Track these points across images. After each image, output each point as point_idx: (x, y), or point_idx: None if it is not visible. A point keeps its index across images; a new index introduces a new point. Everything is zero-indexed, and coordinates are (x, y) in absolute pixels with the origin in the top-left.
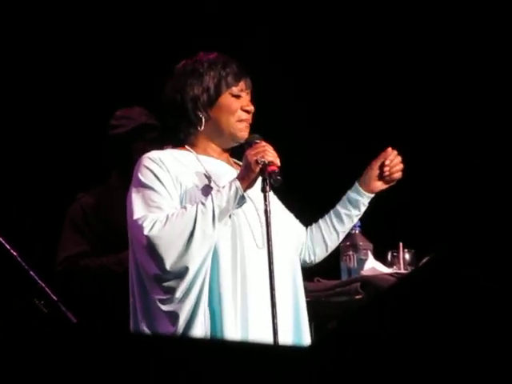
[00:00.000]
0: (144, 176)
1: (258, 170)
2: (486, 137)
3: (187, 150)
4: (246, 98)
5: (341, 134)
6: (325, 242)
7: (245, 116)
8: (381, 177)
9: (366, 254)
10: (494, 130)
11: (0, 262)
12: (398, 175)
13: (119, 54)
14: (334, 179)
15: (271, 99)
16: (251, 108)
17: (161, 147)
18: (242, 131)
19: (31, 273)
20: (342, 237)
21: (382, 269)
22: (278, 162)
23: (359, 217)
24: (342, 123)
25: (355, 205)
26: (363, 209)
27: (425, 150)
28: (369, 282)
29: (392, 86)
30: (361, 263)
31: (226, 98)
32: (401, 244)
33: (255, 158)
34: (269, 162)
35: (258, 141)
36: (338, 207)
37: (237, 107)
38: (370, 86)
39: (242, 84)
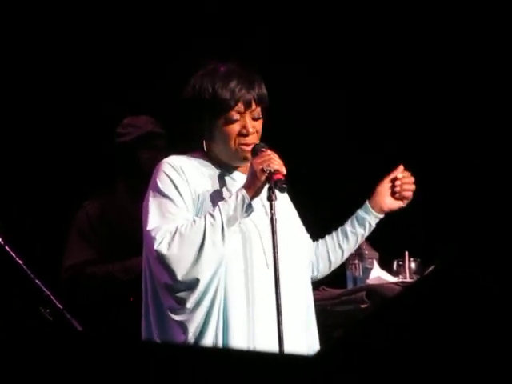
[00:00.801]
0: (163, 183)
1: (263, 178)
2: (491, 147)
3: (207, 158)
4: (245, 119)
5: (352, 144)
6: (329, 258)
7: (243, 140)
8: (392, 194)
9: (372, 263)
10: (500, 141)
11: (6, 270)
12: (408, 194)
13: (126, 62)
14: (346, 191)
15: (284, 106)
16: (250, 130)
17: (167, 155)
18: (242, 155)
19: (37, 281)
20: (346, 255)
21: (388, 278)
22: (283, 170)
23: (365, 236)
24: (353, 133)
25: (361, 223)
26: (369, 228)
27: (431, 160)
28: (374, 291)
29: (404, 99)
30: (366, 272)
31: (221, 126)
32: (406, 253)
33: (261, 167)
34: (274, 171)
35: (263, 149)
36: (346, 224)
37: (233, 132)
38: (380, 97)
39: (239, 106)
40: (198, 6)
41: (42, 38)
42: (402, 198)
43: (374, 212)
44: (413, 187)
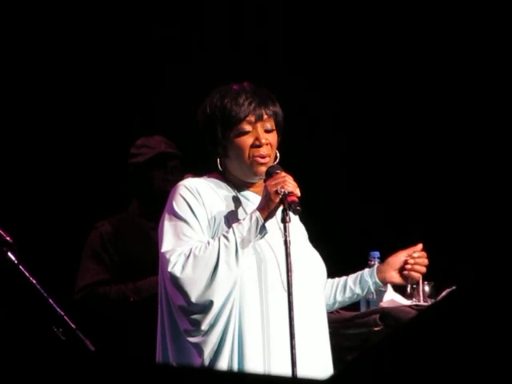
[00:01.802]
0: (178, 206)
1: (277, 200)
2: (505, 173)
3: (223, 179)
4: (257, 131)
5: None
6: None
7: (257, 152)
8: (400, 270)
9: (385, 286)
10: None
11: (20, 289)
12: (417, 276)
13: (141, 84)
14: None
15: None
16: (263, 141)
17: (180, 175)
18: (257, 168)
19: (50, 300)
20: (336, 307)
21: (401, 300)
22: (297, 192)
23: (359, 298)
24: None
25: (362, 285)
26: (367, 292)
27: (445, 181)
28: (388, 314)
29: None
30: (380, 295)
31: (233, 139)
32: (420, 276)
33: (275, 189)
34: (289, 193)
35: (278, 171)
36: (349, 278)
37: (247, 145)
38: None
39: (250, 118)
40: (213, 33)
41: (61, 63)
42: (407, 278)
43: (376, 279)
44: (423, 270)
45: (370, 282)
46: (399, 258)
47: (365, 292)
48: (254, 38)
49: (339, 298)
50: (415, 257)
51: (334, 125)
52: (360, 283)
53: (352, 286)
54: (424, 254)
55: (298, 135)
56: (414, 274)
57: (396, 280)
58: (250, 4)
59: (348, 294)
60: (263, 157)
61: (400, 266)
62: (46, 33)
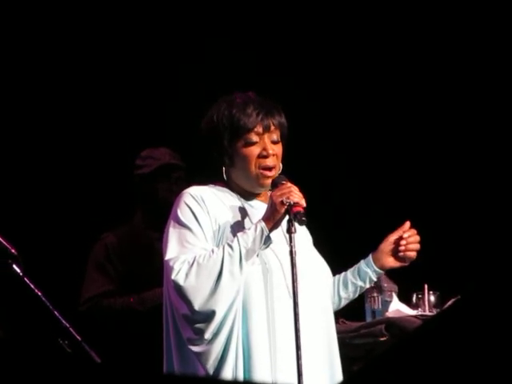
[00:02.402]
0: (183, 214)
1: (283, 210)
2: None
3: (228, 188)
4: (264, 142)
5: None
6: (340, 296)
7: (263, 163)
8: (395, 253)
9: (391, 296)
10: None
11: (24, 301)
12: (412, 254)
13: (146, 95)
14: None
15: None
16: (268, 152)
17: (185, 187)
18: (263, 181)
19: (55, 312)
20: (344, 303)
21: (407, 310)
22: (303, 202)
23: (364, 289)
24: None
25: (363, 277)
26: (369, 281)
27: (450, 192)
28: (393, 324)
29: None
30: (385, 305)
31: (240, 149)
32: (426, 286)
33: (280, 199)
34: (294, 203)
35: (283, 182)
36: (348, 272)
37: (253, 155)
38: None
39: (258, 128)
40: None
41: (67, 79)
42: (404, 258)
43: (375, 267)
44: (417, 247)
45: (370, 272)
46: (390, 242)
47: (367, 283)
48: (257, 48)
49: (343, 294)
50: (406, 237)
51: (336, 134)
52: (360, 275)
53: (353, 279)
54: (413, 231)
55: (300, 143)
56: (409, 253)
57: (394, 264)
58: (253, 14)
59: (351, 288)
60: (270, 169)
61: (393, 250)
62: (55, 44)
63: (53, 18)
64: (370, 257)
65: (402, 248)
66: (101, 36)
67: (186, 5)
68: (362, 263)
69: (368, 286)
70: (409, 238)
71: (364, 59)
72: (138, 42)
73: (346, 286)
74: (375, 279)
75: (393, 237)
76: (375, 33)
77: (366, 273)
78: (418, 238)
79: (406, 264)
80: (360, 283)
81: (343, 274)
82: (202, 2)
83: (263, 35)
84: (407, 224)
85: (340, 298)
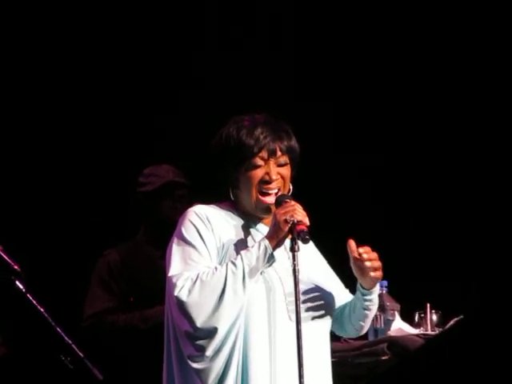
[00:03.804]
0: (187, 231)
1: (286, 228)
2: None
3: (233, 208)
4: (269, 166)
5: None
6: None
7: (265, 188)
8: (362, 273)
9: (393, 315)
10: None
11: (27, 318)
12: (377, 274)
13: (149, 112)
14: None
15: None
16: (273, 178)
17: (189, 204)
18: (261, 205)
19: (58, 329)
20: (366, 323)
21: (409, 329)
22: (307, 221)
23: (376, 309)
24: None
25: (361, 305)
26: (371, 303)
27: (452, 213)
28: (396, 343)
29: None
30: (388, 324)
31: (244, 171)
32: (428, 305)
33: (284, 217)
34: (298, 222)
35: (287, 200)
36: (355, 300)
37: (256, 179)
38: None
39: (263, 153)
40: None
41: (70, 92)
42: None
43: (365, 291)
44: (379, 264)
45: (365, 298)
46: (354, 267)
47: (370, 307)
48: (266, 66)
49: (356, 322)
50: (362, 255)
51: (341, 149)
52: (359, 306)
53: (360, 305)
54: (366, 248)
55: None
56: (375, 273)
57: (373, 282)
58: (259, 31)
59: (361, 314)
60: (270, 195)
61: (361, 272)
62: (61, 58)
63: (55, 28)
64: (358, 285)
65: (367, 268)
66: (105, 50)
67: (190, 19)
68: (356, 298)
69: (376, 306)
70: (365, 254)
71: (364, 59)
72: (143, 56)
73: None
74: (376, 300)
75: (352, 260)
76: (374, 34)
77: (359, 301)
78: (375, 254)
79: (379, 277)
80: (366, 312)
81: (351, 302)
82: (207, 14)
83: (269, 50)
84: (351, 243)
85: (356, 324)
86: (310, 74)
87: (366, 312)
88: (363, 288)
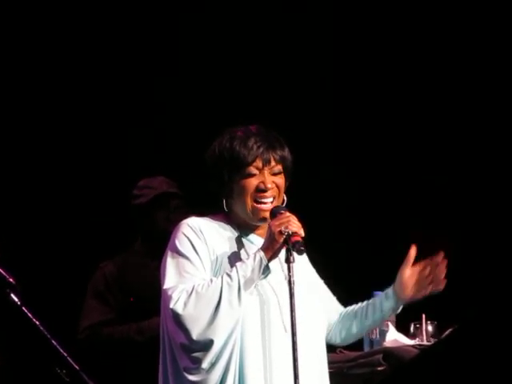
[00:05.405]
0: (181, 243)
1: (281, 240)
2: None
3: (226, 220)
4: (263, 175)
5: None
6: (352, 331)
7: (260, 197)
8: (418, 285)
9: (389, 326)
10: None
11: (23, 330)
12: (440, 287)
13: (145, 124)
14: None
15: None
16: (268, 186)
17: (183, 215)
18: (257, 213)
19: (53, 341)
20: (366, 330)
21: (405, 340)
22: (302, 232)
23: (391, 312)
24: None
25: (384, 309)
26: (391, 312)
27: (446, 221)
28: (391, 354)
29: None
30: (383, 334)
31: (239, 181)
32: (423, 315)
33: (279, 229)
34: (293, 233)
35: (282, 211)
36: (363, 307)
37: (251, 187)
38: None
39: (257, 162)
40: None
41: (67, 104)
42: (427, 291)
43: (399, 300)
44: (443, 275)
45: (389, 305)
46: (414, 273)
47: (387, 315)
48: (260, 78)
49: (354, 329)
50: (439, 264)
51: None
52: (379, 309)
53: (378, 308)
54: (440, 258)
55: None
56: (439, 286)
57: (416, 296)
58: (257, 42)
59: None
60: (265, 203)
61: (418, 280)
62: (63, 67)
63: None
64: (392, 293)
65: (429, 281)
66: (101, 60)
67: (190, 30)
68: (381, 297)
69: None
70: (440, 265)
71: (364, 60)
72: (139, 67)
73: (362, 320)
74: (398, 310)
75: (419, 266)
76: (373, 35)
77: (385, 305)
78: (444, 265)
79: (424, 295)
80: (378, 316)
81: (366, 302)
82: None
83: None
84: (441, 255)
85: (348, 333)
86: (309, 82)
87: (383, 320)
88: (398, 297)
